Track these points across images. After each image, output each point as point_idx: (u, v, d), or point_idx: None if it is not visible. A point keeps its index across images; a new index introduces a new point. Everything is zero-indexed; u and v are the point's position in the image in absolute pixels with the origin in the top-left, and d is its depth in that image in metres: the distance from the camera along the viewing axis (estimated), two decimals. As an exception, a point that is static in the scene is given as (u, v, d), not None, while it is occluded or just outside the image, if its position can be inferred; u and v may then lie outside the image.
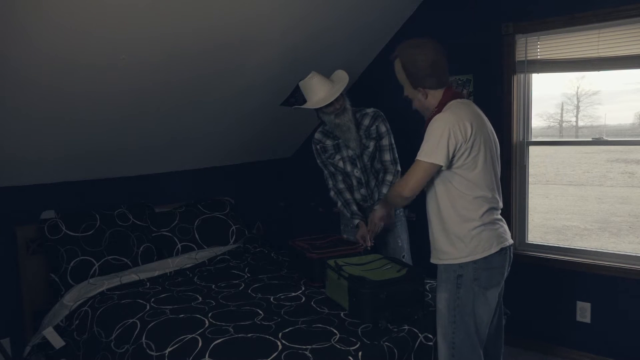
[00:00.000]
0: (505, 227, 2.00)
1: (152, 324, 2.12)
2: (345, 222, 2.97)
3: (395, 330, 1.97)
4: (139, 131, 2.87)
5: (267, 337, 1.92)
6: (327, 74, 2.74)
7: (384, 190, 2.74)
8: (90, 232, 2.79)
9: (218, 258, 3.03)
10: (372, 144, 2.76)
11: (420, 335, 2.00)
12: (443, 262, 1.96)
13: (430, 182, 1.94)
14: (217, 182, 3.74)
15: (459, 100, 1.95)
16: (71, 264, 2.67)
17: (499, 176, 2.02)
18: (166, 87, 2.65)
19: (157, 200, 3.33)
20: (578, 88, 4.05)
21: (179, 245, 3.10)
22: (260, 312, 2.19)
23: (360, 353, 1.80)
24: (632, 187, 6.34)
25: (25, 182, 2.74)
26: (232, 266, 2.93)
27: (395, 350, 1.88)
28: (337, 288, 2.22)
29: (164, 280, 2.71)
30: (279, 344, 1.85)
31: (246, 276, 2.74)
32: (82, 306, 2.46)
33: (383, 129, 2.77)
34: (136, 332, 2.10)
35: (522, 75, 3.09)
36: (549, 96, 3.80)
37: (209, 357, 1.81)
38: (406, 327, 2.00)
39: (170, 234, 3.11)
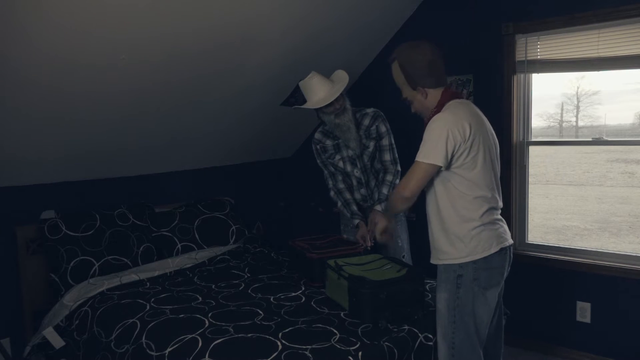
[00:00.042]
0: (505, 227, 2.00)
1: (152, 324, 2.12)
2: (345, 222, 2.97)
3: (395, 330, 1.97)
4: (139, 131, 2.87)
5: (267, 337, 1.92)
6: (327, 74, 2.74)
7: (384, 190, 2.74)
8: (90, 232, 2.79)
9: (218, 258, 3.03)
10: (372, 144, 2.77)
11: (420, 335, 2.00)
12: (443, 262, 1.96)
13: (429, 183, 1.94)
14: (217, 182, 3.75)
15: (457, 100, 1.96)
16: (71, 264, 2.67)
17: (499, 176, 2.02)
18: (166, 87, 2.65)
19: (157, 200, 3.33)
20: (578, 88, 4.05)
21: (179, 245, 3.10)
22: (260, 312, 2.19)
23: (360, 353, 1.80)
24: (632, 187, 6.34)
25: (25, 182, 2.74)
26: (232, 266, 2.93)
27: (395, 350, 1.88)
28: (337, 288, 2.22)
29: (164, 280, 2.71)
30: (279, 344, 1.85)
31: (246, 276, 2.74)
32: (82, 306, 2.46)
33: (383, 129, 2.77)
34: (136, 332, 2.10)
35: (522, 75, 3.09)
36: (549, 96, 3.80)
37: (209, 357, 1.81)
38: (406, 327, 2.00)
39: (170, 234, 3.11)
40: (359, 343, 1.86)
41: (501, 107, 3.11)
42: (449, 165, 1.87)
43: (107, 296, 2.49)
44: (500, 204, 2.01)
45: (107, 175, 3.09)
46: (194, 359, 1.82)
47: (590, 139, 3.24)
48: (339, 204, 2.86)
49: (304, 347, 1.82)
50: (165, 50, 2.38)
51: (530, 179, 3.19)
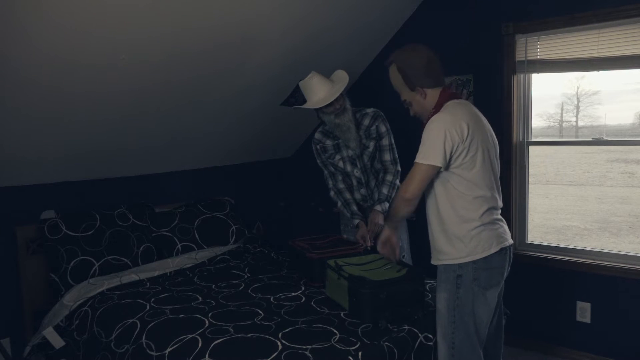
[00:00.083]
0: (505, 227, 2.00)
1: (152, 324, 2.12)
2: (345, 222, 2.97)
3: (395, 330, 1.97)
4: (139, 131, 2.87)
5: (267, 337, 1.92)
6: (327, 74, 2.74)
7: (384, 190, 2.74)
8: (90, 232, 2.79)
9: (218, 258, 3.03)
10: (372, 144, 2.77)
11: (420, 335, 2.00)
12: (442, 263, 1.96)
13: (429, 183, 1.94)
14: (217, 182, 3.75)
15: (455, 100, 1.96)
16: (71, 264, 2.67)
17: (499, 176, 2.02)
18: (166, 87, 2.65)
19: (157, 200, 3.33)
20: (578, 88, 4.05)
21: (179, 245, 3.10)
22: (260, 312, 2.19)
23: (360, 353, 1.80)
24: (632, 187, 6.34)
25: (25, 182, 2.74)
26: (232, 266, 2.94)
27: (395, 350, 1.88)
28: (337, 288, 2.22)
29: (164, 280, 2.71)
30: (279, 344, 1.85)
31: (246, 276, 2.74)
32: (82, 306, 2.46)
33: (383, 129, 2.77)
34: (136, 332, 2.10)
35: (522, 75, 3.09)
36: (549, 96, 3.81)
37: (209, 357, 1.81)
38: (406, 327, 2.00)
39: (170, 234, 3.11)
40: (359, 343, 1.86)
41: (501, 107, 3.11)
42: (448, 166, 1.87)
43: (107, 296, 2.49)
44: (500, 204, 2.01)
45: (107, 175, 3.09)
46: (194, 359, 1.82)
47: (590, 139, 3.24)
48: (339, 204, 2.86)
49: (304, 347, 1.82)
50: (165, 50, 2.38)
51: (530, 179, 3.19)
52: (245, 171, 3.96)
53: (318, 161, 2.92)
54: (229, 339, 1.92)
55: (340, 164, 2.82)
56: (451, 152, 1.84)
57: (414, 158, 1.90)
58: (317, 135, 2.89)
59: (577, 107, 4.58)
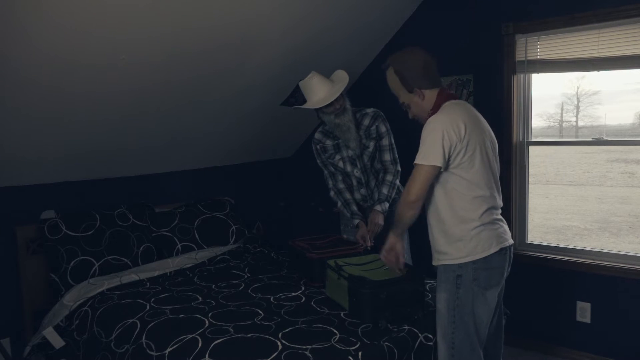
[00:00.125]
0: (506, 227, 2.00)
1: (152, 324, 2.12)
2: (345, 222, 2.97)
3: (395, 330, 1.97)
4: (139, 131, 2.87)
5: (267, 337, 1.92)
6: (327, 74, 2.74)
7: (384, 190, 2.74)
8: (90, 232, 2.79)
9: (218, 258, 3.03)
10: (372, 144, 2.77)
11: (420, 335, 2.00)
12: (442, 263, 1.96)
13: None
14: (217, 182, 3.75)
15: (453, 101, 1.97)
16: (71, 264, 2.67)
17: (498, 175, 2.02)
18: (166, 87, 2.65)
19: (157, 200, 3.33)
20: (578, 88, 4.05)
21: (179, 245, 3.10)
22: (260, 312, 2.19)
23: (360, 353, 1.80)
24: (632, 187, 6.34)
25: (25, 182, 2.74)
26: (232, 266, 2.94)
27: (395, 350, 1.88)
28: (337, 288, 2.22)
29: (164, 280, 2.71)
30: (279, 344, 1.86)
31: (246, 276, 2.74)
32: (82, 306, 2.46)
33: (383, 129, 2.77)
34: (136, 332, 2.10)
35: (522, 75, 3.09)
36: (549, 96, 3.81)
37: (209, 357, 1.81)
38: (406, 327, 2.00)
39: (170, 234, 3.11)
40: (359, 343, 1.86)
41: (501, 107, 3.11)
42: (447, 166, 1.87)
43: (107, 296, 2.49)
44: (500, 203, 2.01)
45: (107, 175, 3.09)
46: (194, 359, 1.82)
47: (590, 139, 3.24)
48: (339, 204, 2.86)
49: (304, 347, 1.82)
50: (165, 50, 2.38)
51: (530, 179, 3.19)
52: (245, 171, 3.96)
53: (318, 161, 2.92)
54: (229, 339, 1.92)
55: (340, 164, 2.82)
56: (450, 152, 1.84)
57: (414, 158, 1.90)
58: (317, 135, 2.89)
59: (577, 107, 4.58)
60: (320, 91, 2.64)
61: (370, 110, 2.80)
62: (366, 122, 2.77)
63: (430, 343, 2.02)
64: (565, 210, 6.29)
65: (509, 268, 2.01)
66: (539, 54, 3.00)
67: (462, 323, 1.91)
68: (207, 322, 2.09)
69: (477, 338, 1.93)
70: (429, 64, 1.97)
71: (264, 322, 2.07)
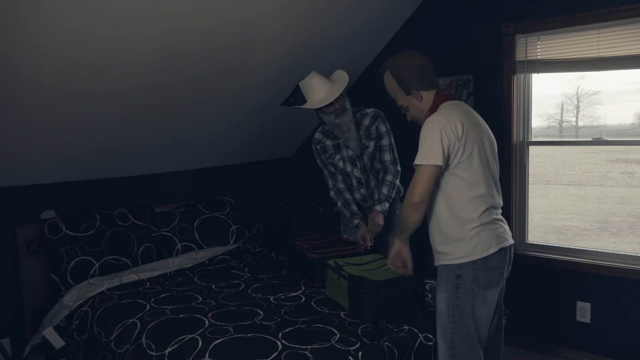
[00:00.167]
0: (506, 227, 2.00)
1: (152, 324, 2.12)
2: (345, 222, 2.97)
3: (395, 330, 1.97)
4: (139, 131, 2.87)
5: (267, 337, 1.92)
6: (327, 74, 2.74)
7: (384, 190, 2.74)
8: (90, 232, 2.79)
9: (218, 258, 3.03)
10: (372, 144, 2.76)
11: (420, 335, 2.00)
12: (442, 263, 1.96)
13: None
14: (217, 182, 3.75)
15: (450, 102, 1.99)
16: (71, 264, 2.67)
17: (498, 175, 2.02)
18: (166, 87, 2.65)
19: (157, 200, 3.33)
20: (578, 88, 4.05)
21: (179, 245, 3.10)
22: (260, 312, 2.19)
23: (360, 353, 1.80)
24: (632, 187, 6.34)
25: (25, 182, 2.74)
26: (232, 266, 2.94)
27: (395, 350, 1.88)
28: (337, 288, 2.22)
29: (164, 280, 2.71)
30: (279, 344, 1.85)
31: (246, 276, 2.74)
32: (82, 306, 2.46)
33: (383, 129, 2.77)
34: (136, 332, 2.10)
35: (522, 75, 3.09)
36: (549, 96, 3.81)
37: (209, 357, 1.81)
38: (406, 327, 2.00)
39: (170, 234, 3.11)
40: (359, 343, 1.86)
41: (501, 107, 3.11)
42: (446, 166, 1.87)
43: (107, 296, 2.49)
44: (500, 203, 2.01)
45: (107, 175, 3.09)
46: (194, 359, 1.82)
47: (590, 139, 3.24)
48: (339, 204, 2.86)
49: (304, 347, 1.82)
50: (165, 50, 2.38)
51: (530, 179, 3.19)
52: (245, 171, 3.96)
53: (318, 161, 2.92)
54: (229, 339, 1.92)
55: (340, 164, 2.82)
56: (449, 151, 1.85)
57: (414, 158, 1.90)
58: (317, 135, 2.89)
59: (577, 107, 4.58)
60: (320, 91, 2.64)
61: (370, 110, 2.80)
62: (366, 122, 2.77)
63: (430, 343, 2.02)
64: (565, 210, 6.29)
65: (510, 268, 2.01)
66: (539, 54, 3.00)
67: (462, 323, 1.91)
68: (207, 322, 2.09)
69: (477, 338, 1.93)
70: (425, 66, 1.99)
71: (264, 322, 2.07)
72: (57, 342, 2.40)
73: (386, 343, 1.88)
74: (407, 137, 2.85)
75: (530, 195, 3.20)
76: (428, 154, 1.85)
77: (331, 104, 2.62)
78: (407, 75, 1.98)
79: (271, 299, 2.35)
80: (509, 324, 2.33)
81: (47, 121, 2.42)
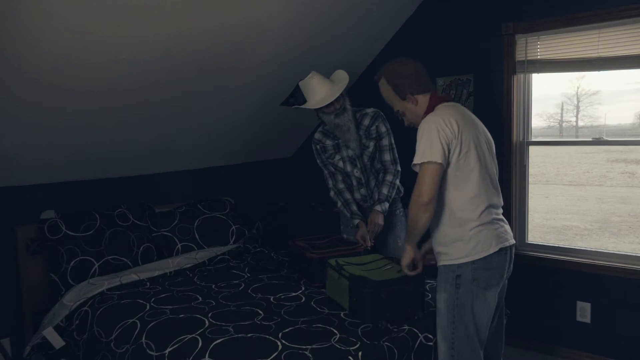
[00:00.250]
0: (507, 227, 1.99)
1: (152, 324, 2.12)
2: (345, 222, 2.97)
3: (395, 330, 1.97)
4: (139, 131, 2.87)
5: (267, 337, 1.92)
6: (327, 74, 2.74)
7: (384, 190, 2.74)
8: (90, 232, 2.79)
9: (218, 258, 3.03)
10: (372, 144, 2.76)
11: (420, 335, 2.00)
12: (442, 263, 1.96)
13: None
14: (217, 182, 3.75)
15: (445, 103, 2.00)
16: (71, 264, 2.67)
17: (497, 175, 2.03)
18: (166, 87, 2.65)
19: (157, 200, 3.33)
20: (578, 88, 4.05)
21: (179, 245, 3.10)
22: (260, 312, 2.19)
23: (360, 353, 1.80)
24: (632, 187, 6.34)
25: (25, 182, 2.74)
26: (232, 266, 2.94)
27: (395, 350, 1.88)
28: (338, 288, 2.22)
29: (164, 280, 2.71)
30: (279, 344, 1.86)
31: (246, 276, 2.74)
32: (82, 306, 2.46)
33: (383, 129, 2.77)
34: (136, 332, 2.10)
35: (522, 75, 3.09)
36: (549, 96, 3.80)
37: (209, 357, 1.81)
38: (406, 327, 2.00)
39: (170, 234, 3.11)
40: (359, 343, 1.86)
41: (501, 107, 3.11)
42: (446, 164, 1.87)
43: (107, 296, 2.49)
44: (500, 202, 2.01)
45: (107, 175, 3.09)
46: (194, 359, 1.82)
47: (590, 139, 3.24)
48: (339, 204, 2.86)
49: (304, 347, 1.82)
50: (165, 50, 2.38)
51: (530, 179, 3.19)
52: (245, 171, 3.96)
53: (318, 161, 2.92)
54: (229, 339, 1.92)
55: (340, 164, 2.82)
56: (448, 147, 1.85)
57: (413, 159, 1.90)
58: (317, 135, 2.89)
59: (577, 107, 4.59)
60: (320, 91, 2.64)
61: (370, 110, 2.80)
62: (366, 122, 2.77)
63: (430, 343, 2.02)
64: (565, 210, 6.29)
65: (511, 268, 2.01)
66: (539, 54, 3.00)
67: (462, 323, 1.91)
68: (207, 322, 2.09)
69: (477, 338, 1.93)
70: (419, 71, 2.03)
71: (264, 322, 2.07)
72: (57, 342, 2.40)
73: (386, 343, 1.88)
74: (407, 137, 2.84)
75: (530, 195, 3.20)
76: (429, 152, 1.84)
77: (331, 104, 2.62)
78: (401, 81, 2.01)
79: (271, 299, 2.35)
80: (509, 324, 2.33)
81: (47, 121, 2.42)
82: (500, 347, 2.14)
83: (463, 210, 1.90)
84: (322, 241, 2.72)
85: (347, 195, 2.84)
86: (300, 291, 2.45)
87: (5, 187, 2.68)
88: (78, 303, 2.48)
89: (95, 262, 2.72)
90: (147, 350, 1.97)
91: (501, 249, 1.91)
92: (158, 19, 2.17)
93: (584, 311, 2.98)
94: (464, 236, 1.89)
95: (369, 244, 2.66)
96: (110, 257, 2.78)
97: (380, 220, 2.70)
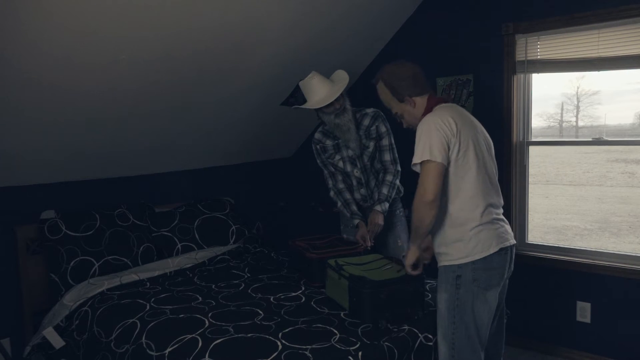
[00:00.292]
0: (507, 227, 1.99)
1: (152, 324, 2.12)
2: (345, 222, 2.97)
3: (395, 330, 1.97)
4: (139, 131, 2.87)
5: (267, 337, 1.92)
6: (327, 74, 2.74)
7: (384, 190, 2.74)
8: (90, 232, 2.79)
9: (218, 258, 3.03)
10: (372, 144, 2.76)
11: (420, 335, 2.00)
12: (442, 263, 1.96)
13: None
14: (217, 182, 3.75)
15: (443, 104, 2.01)
16: (71, 264, 2.67)
17: (496, 175, 2.03)
18: (166, 87, 2.65)
19: (157, 200, 3.33)
20: (578, 88, 4.05)
21: (179, 245, 3.10)
22: (260, 312, 2.19)
23: (360, 353, 1.80)
24: (632, 187, 6.34)
25: (25, 182, 2.74)
26: (232, 266, 2.94)
27: (395, 350, 1.88)
28: (337, 288, 2.22)
29: (164, 280, 2.71)
30: (279, 344, 1.86)
31: (246, 276, 2.74)
32: (82, 306, 2.46)
33: (383, 129, 2.77)
34: (136, 332, 2.10)
35: (522, 75, 3.09)
36: (549, 96, 3.80)
37: (209, 357, 1.81)
38: (406, 327, 2.00)
39: (170, 234, 3.11)
40: (359, 343, 1.86)
41: (501, 107, 3.11)
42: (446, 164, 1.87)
43: (107, 296, 2.49)
44: (500, 202, 2.01)
45: (107, 175, 3.09)
46: (194, 359, 1.82)
47: (590, 139, 3.24)
48: (339, 204, 2.86)
49: (304, 347, 1.82)
50: (165, 50, 2.38)
51: (530, 179, 3.19)
52: (245, 171, 3.96)
53: (318, 161, 2.92)
54: (229, 339, 1.92)
55: (340, 164, 2.82)
56: (447, 146, 1.85)
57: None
58: (317, 135, 2.89)
59: (577, 107, 4.58)
60: (320, 91, 2.64)
61: (370, 110, 2.80)
62: (366, 122, 2.77)
63: (430, 343, 2.02)
64: (565, 210, 6.29)
65: (512, 268, 2.01)
66: (539, 54, 3.00)
67: (463, 323, 1.91)
68: (207, 322, 2.09)
69: (477, 339, 1.93)
70: (416, 73, 2.04)
71: (264, 322, 2.07)
72: (57, 342, 2.40)
73: (386, 343, 1.88)
74: (407, 138, 2.84)
75: (530, 195, 3.20)
76: (427, 151, 1.84)
77: (331, 104, 2.62)
78: (399, 83, 2.02)
79: (271, 299, 2.35)
80: (509, 324, 2.33)
81: (47, 121, 2.42)
82: (500, 347, 2.14)
83: (462, 210, 1.90)
84: (322, 241, 2.72)
85: (347, 195, 2.84)
86: (300, 291, 2.45)
87: (5, 187, 2.68)
88: (78, 303, 2.48)
89: (95, 262, 2.72)
90: (147, 350, 1.97)
91: (501, 249, 1.91)
92: (158, 19, 2.17)
93: (584, 311, 2.98)
94: (464, 236, 1.89)
95: (369, 244, 2.66)
96: (110, 257, 2.78)
97: (380, 220, 2.70)
